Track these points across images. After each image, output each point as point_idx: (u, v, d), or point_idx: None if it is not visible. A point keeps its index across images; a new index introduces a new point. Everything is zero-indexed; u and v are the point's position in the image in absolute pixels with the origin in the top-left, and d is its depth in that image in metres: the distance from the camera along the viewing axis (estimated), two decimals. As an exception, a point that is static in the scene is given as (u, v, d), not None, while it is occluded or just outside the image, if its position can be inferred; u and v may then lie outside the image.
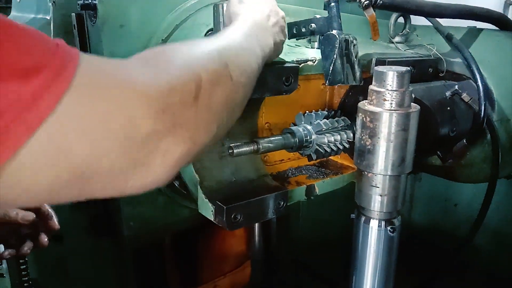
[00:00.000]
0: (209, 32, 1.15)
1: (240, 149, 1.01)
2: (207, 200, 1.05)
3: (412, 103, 0.98)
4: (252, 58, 0.81)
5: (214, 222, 1.05)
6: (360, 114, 0.99)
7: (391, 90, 0.94)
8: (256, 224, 1.79)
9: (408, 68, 0.96)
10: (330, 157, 1.45)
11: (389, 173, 0.97)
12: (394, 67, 0.97)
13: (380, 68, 0.97)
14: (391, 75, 0.94)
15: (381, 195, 1.00)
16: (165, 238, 1.69)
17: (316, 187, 1.25)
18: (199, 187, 1.07)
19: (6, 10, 1.76)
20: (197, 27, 1.21)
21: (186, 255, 1.76)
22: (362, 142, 0.99)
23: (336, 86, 1.39)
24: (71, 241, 1.41)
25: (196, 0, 1.30)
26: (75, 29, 1.27)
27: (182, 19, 1.26)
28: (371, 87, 0.98)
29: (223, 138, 1.16)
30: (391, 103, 0.94)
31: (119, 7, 1.17)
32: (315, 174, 1.30)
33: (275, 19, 0.97)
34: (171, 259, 1.72)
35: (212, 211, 1.04)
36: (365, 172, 1.00)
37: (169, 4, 1.26)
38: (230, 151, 1.01)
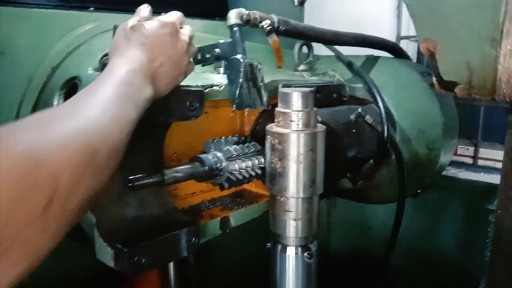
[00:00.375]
0: (105, 57, 1.06)
1: (141, 182, 0.92)
2: (105, 243, 0.92)
3: (318, 123, 0.98)
4: (123, 127, 0.68)
5: (115, 268, 0.92)
6: (269, 136, 0.95)
7: (297, 110, 0.92)
8: (171, 263, 1.65)
9: (312, 89, 0.95)
10: (244, 187, 1.40)
11: (301, 195, 0.94)
12: (298, 88, 0.96)
13: (285, 90, 0.95)
14: (296, 96, 0.93)
15: (295, 220, 0.96)
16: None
17: (231, 219, 1.18)
18: (95, 229, 0.94)
19: None
20: (91, 53, 1.11)
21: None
22: (273, 165, 0.95)
23: (246, 113, 1.36)
24: None
25: (92, 26, 1.21)
26: None
27: (75, 46, 1.16)
28: (277, 108, 0.96)
29: (123, 173, 1.06)
30: (298, 124, 0.93)
31: (-1, 32, 1.04)
32: (230, 205, 1.24)
33: (169, 55, 0.85)
34: None
35: (111, 255, 0.91)
36: (278, 197, 0.96)
37: (60, 30, 1.16)
38: (129, 184, 0.91)
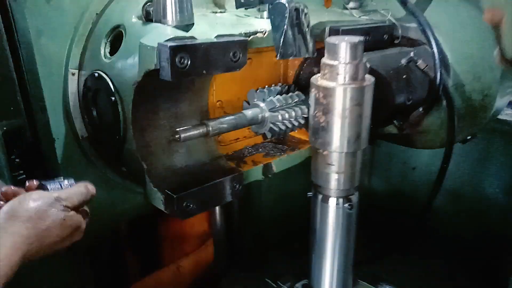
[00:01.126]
0: (147, 3, 1.04)
1: (188, 133, 0.94)
2: (156, 189, 0.98)
3: (366, 75, 0.93)
4: None
5: (166, 212, 0.99)
6: (313, 89, 0.93)
7: (345, 63, 0.89)
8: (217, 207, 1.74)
9: (361, 38, 0.90)
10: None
11: (345, 150, 0.94)
12: (347, 37, 0.91)
13: (332, 40, 0.91)
14: (343, 47, 0.88)
15: (337, 173, 0.96)
16: (121, 225, 1.62)
17: (273, 165, 1.20)
18: (146, 175, 1.00)
19: None
20: (134, -1, 1.09)
21: (145, 239, 1.70)
22: (316, 119, 0.93)
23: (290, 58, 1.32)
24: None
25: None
26: (-6, 4, 1.12)
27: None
28: (323, 60, 0.93)
29: (170, 121, 1.08)
30: (345, 77, 0.89)
31: (44, -20, 1.04)
32: (272, 152, 1.26)
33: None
34: (129, 246, 1.65)
35: (162, 200, 0.97)
36: (320, 150, 0.96)
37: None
38: (176, 136, 0.93)
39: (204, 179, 1.03)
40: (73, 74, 1.13)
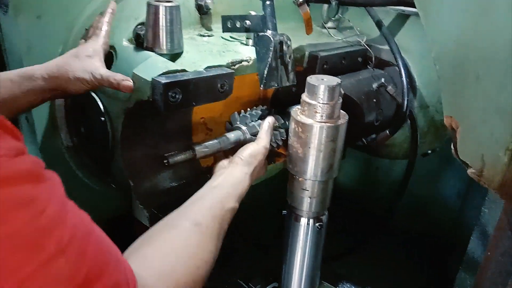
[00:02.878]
0: (139, 26, 1.08)
1: (176, 158, 1.01)
2: (142, 207, 1.05)
3: (341, 112, 1.03)
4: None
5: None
6: (293, 123, 1.02)
7: (322, 103, 0.97)
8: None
9: (339, 81, 0.99)
10: (264, 144, 1.49)
11: (318, 179, 1.04)
12: (326, 79, 1.00)
13: (312, 81, 0.99)
14: (322, 89, 0.97)
15: (310, 197, 1.07)
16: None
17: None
18: (132, 192, 1.06)
19: None
20: (124, 19, 1.12)
21: (122, 238, 1.76)
22: (294, 149, 1.03)
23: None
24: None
25: (122, -17, 1.20)
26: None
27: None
28: (303, 97, 1.01)
29: (156, 140, 1.14)
30: (322, 116, 0.98)
31: (34, -4, 1.05)
32: (250, 166, 1.34)
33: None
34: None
35: (147, 218, 1.04)
36: (296, 177, 1.06)
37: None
38: (164, 161, 1.00)
39: (188, 195, 1.10)
40: (61, 88, 1.16)
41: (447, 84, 0.72)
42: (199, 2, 1.20)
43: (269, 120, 1.12)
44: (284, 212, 1.15)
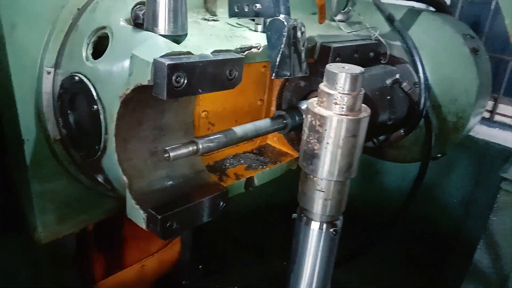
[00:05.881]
0: (137, 6, 0.97)
1: (177, 152, 0.90)
2: (137, 206, 0.93)
3: (362, 105, 0.93)
4: None
5: (147, 230, 0.95)
6: (309, 116, 0.91)
7: (343, 93, 0.87)
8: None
9: (362, 69, 0.89)
10: (267, 141, 1.39)
11: (335, 178, 0.93)
12: (346, 67, 0.90)
13: (332, 68, 0.89)
14: (343, 77, 0.87)
15: (325, 199, 0.96)
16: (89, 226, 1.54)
17: (255, 179, 1.19)
18: (127, 190, 0.95)
19: None
20: (121, -2, 1.01)
21: (111, 238, 1.64)
22: (310, 145, 0.92)
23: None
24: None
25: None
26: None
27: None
28: (321, 86, 0.91)
29: (154, 132, 1.03)
30: (342, 107, 0.88)
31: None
32: (254, 164, 1.24)
33: None
34: (94, 245, 1.58)
35: (144, 219, 0.93)
36: (310, 176, 0.95)
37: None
38: (165, 155, 0.89)
39: (188, 196, 0.99)
40: (48, 73, 1.04)
41: None
42: (204, -16, 1.10)
43: None
44: (294, 215, 1.05)
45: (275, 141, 1.37)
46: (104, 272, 1.63)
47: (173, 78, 0.79)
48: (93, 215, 1.30)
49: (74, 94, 1.01)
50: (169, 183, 1.03)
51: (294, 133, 1.31)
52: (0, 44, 0.98)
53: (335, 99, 0.88)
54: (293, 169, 1.32)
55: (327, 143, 0.90)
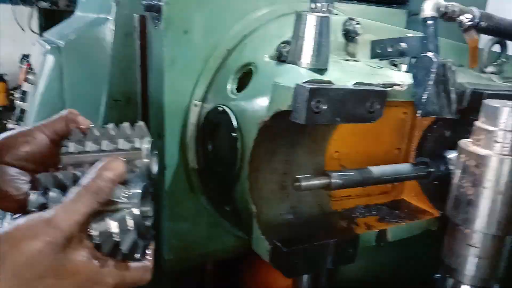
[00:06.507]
0: (282, 44, 1.02)
1: (309, 182, 0.86)
2: (263, 237, 0.90)
3: (527, 147, 0.79)
4: None
5: (269, 263, 0.90)
6: (463, 156, 0.80)
7: (506, 130, 0.76)
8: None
9: (530, 105, 0.77)
10: (403, 197, 1.27)
11: (493, 232, 0.78)
12: (509, 102, 0.79)
13: (492, 102, 0.79)
14: (506, 112, 0.76)
15: (479, 258, 0.81)
16: (207, 265, 1.56)
17: (388, 233, 1.07)
18: (254, 220, 0.93)
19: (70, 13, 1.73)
20: (268, 38, 1.08)
21: (228, 285, 1.61)
22: (462, 190, 0.80)
23: (417, 116, 1.21)
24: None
25: (268, 10, 1.18)
26: (135, 31, 1.19)
27: (251, 29, 1.14)
28: (478, 124, 0.80)
29: (284, 166, 1.02)
30: (505, 146, 0.76)
31: (185, 12, 1.07)
32: (388, 217, 1.12)
33: None
34: (211, 288, 1.58)
35: (268, 251, 0.88)
36: (461, 227, 0.82)
37: (237, 13, 1.15)
38: (296, 183, 0.86)
39: (314, 235, 0.93)
40: (195, 106, 1.13)
41: None
42: (347, 27, 1.12)
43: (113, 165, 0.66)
44: (437, 275, 0.90)
45: (412, 197, 1.24)
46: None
47: (313, 103, 0.78)
48: (215, 252, 1.31)
49: (216, 125, 1.06)
50: (295, 219, 0.98)
51: (435, 189, 1.18)
52: (159, 78, 1.11)
53: (495, 136, 0.76)
54: (432, 230, 1.16)
55: (485, 188, 0.77)
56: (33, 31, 5.18)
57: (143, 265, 0.70)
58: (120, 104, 1.32)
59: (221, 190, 1.11)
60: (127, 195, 0.65)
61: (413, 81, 0.95)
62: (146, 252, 0.73)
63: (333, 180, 0.87)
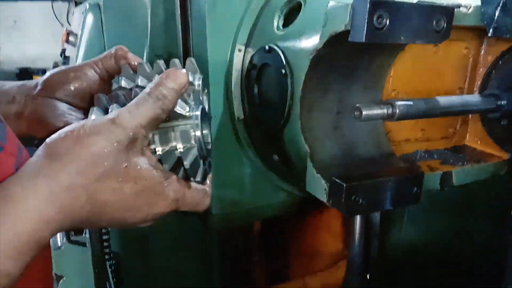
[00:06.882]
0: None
1: (371, 112, 0.78)
2: (319, 175, 0.84)
3: None
4: None
5: (327, 204, 0.84)
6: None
7: None
8: (358, 221, 1.54)
9: None
10: (466, 142, 1.17)
11: None
12: None
13: None
14: None
15: None
16: (253, 225, 1.52)
17: (454, 175, 0.98)
18: (308, 160, 0.86)
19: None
20: None
21: (275, 247, 1.57)
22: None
23: (482, 51, 1.10)
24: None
25: None
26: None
27: None
28: None
29: (339, 106, 0.95)
30: None
31: None
32: (451, 160, 1.03)
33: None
34: (258, 250, 1.54)
35: (325, 190, 0.82)
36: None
37: None
38: (357, 112, 0.79)
39: (375, 175, 0.86)
40: (239, 50, 1.07)
41: None
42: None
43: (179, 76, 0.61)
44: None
45: (476, 142, 1.14)
46: (265, 281, 1.56)
47: (375, 17, 0.70)
48: (262, 209, 1.26)
49: (262, 66, 1.01)
50: (352, 159, 0.91)
51: (503, 130, 1.07)
52: (201, 22, 1.06)
53: None
54: (501, 174, 1.06)
55: None
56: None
57: (203, 187, 0.67)
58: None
59: (268, 138, 1.05)
60: (189, 109, 0.63)
61: (481, 2, 0.85)
62: (206, 178, 0.70)
63: (397, 110, 0.79)
